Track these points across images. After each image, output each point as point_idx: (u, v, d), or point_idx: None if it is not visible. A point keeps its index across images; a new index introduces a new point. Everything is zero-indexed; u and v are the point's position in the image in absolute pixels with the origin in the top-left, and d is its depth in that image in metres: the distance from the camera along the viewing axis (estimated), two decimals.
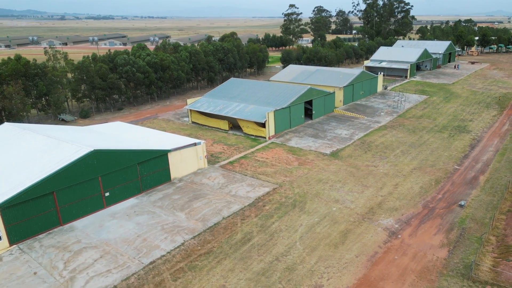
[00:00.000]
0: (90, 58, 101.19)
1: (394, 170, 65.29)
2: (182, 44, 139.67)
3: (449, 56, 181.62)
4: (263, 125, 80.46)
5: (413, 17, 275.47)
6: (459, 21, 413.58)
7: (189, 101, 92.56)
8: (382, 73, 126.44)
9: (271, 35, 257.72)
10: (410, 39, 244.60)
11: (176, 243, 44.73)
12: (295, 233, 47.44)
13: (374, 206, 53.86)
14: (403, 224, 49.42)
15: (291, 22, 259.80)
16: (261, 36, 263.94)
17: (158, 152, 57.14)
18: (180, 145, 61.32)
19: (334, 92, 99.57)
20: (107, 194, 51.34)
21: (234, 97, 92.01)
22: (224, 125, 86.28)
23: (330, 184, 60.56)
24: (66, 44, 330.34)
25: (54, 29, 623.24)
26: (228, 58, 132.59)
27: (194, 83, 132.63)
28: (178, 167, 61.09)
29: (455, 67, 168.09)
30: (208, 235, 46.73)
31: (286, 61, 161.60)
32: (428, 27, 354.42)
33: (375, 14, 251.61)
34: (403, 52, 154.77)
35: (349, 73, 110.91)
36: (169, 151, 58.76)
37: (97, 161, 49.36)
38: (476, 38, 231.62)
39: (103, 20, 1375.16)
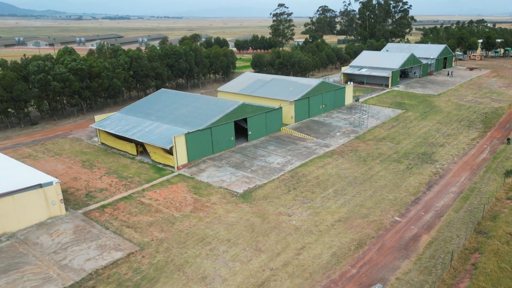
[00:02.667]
0: None
1: (311, 223, 48.40)
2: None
3: (444, 61, 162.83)
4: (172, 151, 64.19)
5: (412, 17, 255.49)
6: (471, 21, 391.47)
7: (97, 117, 76.75)
8: (352, 82, 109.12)
9: (260, 36, 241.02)
10: (405, 41, 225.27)
11: None
12: None
13: None
14: None
15: (280, 23, 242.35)
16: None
17: None
18: (14, 188, 45.11)
19: (280, 108, 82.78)
20: None
21: (151, 114, 75.93)
22: (132, 149, 70.32)
23: (213, 245, 43.96)
24: (53, 45, 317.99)
25: (66, 29, 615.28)
26: (180, 63, 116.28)
27: (141, 93, 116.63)
28: (11, 218, 45.12)
29: (448, 74, 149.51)
30: None
31: (257, 66, 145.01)
32: (438, 27, 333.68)
33: (369, 14, 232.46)
34: (386, 57, 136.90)
35: (306, 83, 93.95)
36: None
37: None
38: (480, 40, 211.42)
39: (118, 20, 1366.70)
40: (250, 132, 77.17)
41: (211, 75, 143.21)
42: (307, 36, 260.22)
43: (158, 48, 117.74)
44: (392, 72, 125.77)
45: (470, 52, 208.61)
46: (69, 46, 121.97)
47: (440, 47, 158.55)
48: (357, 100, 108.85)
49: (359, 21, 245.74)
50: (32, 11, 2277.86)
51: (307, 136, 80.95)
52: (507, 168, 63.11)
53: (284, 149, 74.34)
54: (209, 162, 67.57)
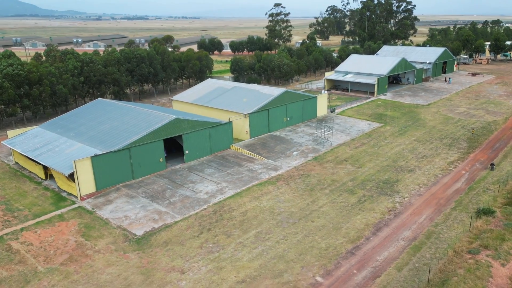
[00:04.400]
0: None
1: (204, 284, 37.37)
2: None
3: (443, 66, 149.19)
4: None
5: (415, 17, 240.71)
6: (486, 21, 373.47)
7: (11, 132, 66.97)
8: (325, 91, 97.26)
9: (256, 37, 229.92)
10: (407, 43, 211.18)
11: None
12: None
13: None
14: None
15: (277, 23, 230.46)
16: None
17: None
18: None
19: (230, 122, 71.50)
20: None
21: (73, 129, 65.59)
22: (40, 172, 59.75)
23: None
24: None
25: (82, 29, 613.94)
26: (141, 68, 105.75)
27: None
28: None
29: (445, 80, 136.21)
30: None
31: (236, 70, 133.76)
32: (452, 27, 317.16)
33: (369, 14, 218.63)
34: (375, 62, 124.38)
35: (268, 93, 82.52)
36: None
37: None
38: (488, 43, 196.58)
39: (136, 20, 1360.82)
40: (187, 152, 66.25)
41: (184, 80, 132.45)
42: (317, 37, 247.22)
43: (117, 51, 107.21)
44: (378, 78, 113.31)
45: (476, 55, 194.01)
46: (64, 46, 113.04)
47: (438, 51, 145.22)
48: (332, 111, 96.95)
49: (359, 22, 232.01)
50: (54, 11, 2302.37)
51: (257, 156, 69.60)
52: (481, 206, 50.75)
53: (224, 173, 63.08)
54: (123, 191, 56.64)
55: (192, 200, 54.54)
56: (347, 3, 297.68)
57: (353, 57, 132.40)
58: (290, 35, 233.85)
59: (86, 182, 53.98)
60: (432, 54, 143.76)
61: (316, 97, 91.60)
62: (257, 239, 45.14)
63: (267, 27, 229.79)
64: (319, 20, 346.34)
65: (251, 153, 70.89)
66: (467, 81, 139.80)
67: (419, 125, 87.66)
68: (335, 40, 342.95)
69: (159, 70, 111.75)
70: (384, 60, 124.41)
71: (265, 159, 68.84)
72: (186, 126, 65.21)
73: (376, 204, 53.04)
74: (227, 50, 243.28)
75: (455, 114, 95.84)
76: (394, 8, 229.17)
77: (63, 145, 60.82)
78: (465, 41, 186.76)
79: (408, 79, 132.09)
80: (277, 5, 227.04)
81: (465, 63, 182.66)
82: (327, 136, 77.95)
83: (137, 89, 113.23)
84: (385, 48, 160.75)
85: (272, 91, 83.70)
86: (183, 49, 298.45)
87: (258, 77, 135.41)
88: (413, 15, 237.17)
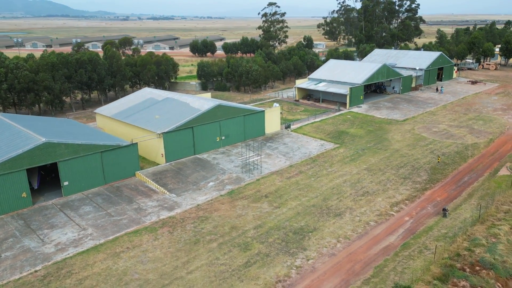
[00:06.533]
0: None
1: None
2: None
3: (438, 73, 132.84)
4: None
5: (420, 17, 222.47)
6: (508, 21, 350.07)
7: None
8: (277, 104, 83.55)
9: (250, 38, 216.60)
10: (408, 46, 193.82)
11: None
12: None
13: None
14: None
15: (272, 24, 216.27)
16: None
17: None
18: None
19: (133, 144, 58.51)
20: None
21: None
22: None
23: None
24: (51, 46, 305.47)
25: (105, 30, 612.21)
26: (80, 74, 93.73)
27: (36, 109, 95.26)
28: None
29: (437, 89, 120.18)
30: None
31: (203, 76, 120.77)
32: (471, 28, 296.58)
33: (367, 13, 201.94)
34: (354, 68, 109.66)
35: (196, 108, 69.22)
36: None
37: None
38: (499, 46, 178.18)
39: (161, 20, 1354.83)
40: (66, 183, 53.34)
41: (143, 86, 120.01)
42: (325, 38, 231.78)
43: (54, 55, 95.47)
44: (351, 88, 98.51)
45: (485, 59, 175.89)
46: (65, 46, 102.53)
47: (432, 55, 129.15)
48: (287, 127, 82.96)
49: (358, 22, 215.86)
50: (84, 12, 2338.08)
51: (160, 189, 56.58)
52: (400, 280, 36.21)
53: (102, 213, 50.15)
54: None
55: (31, 255, 41.65)
56: (343, 1, 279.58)
57: (330, 63, 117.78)
58: (286, 36, 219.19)
59: None
60: (425, 59, 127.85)
61: (263, 111, 77.73)
62: None
63: (260, 27, 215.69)
64: (328, 20, 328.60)
65: (155, 184, 57.79)
66: (463, 90, 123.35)
67: (381, 147, 72.87)
68: (344, 41, 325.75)
69: (105, 75, 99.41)
70: (364, 66, 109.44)
71: (168, 192, 55.60)
72: (64, 152, 52.62)
73: (266, 269, 39.12)
74: (221, 52, 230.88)
75: (430, 134, 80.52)
76: (396, 8, 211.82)
77: None
78: (471, 44, 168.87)
79: (393, 88, 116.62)
80: (271, 4, 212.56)
81: (470, 69, 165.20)
82: (256, 161, 64.10)
83: (79, 97, 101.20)
84: (376, 51, 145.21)
85: (202, 105, 70.32)
86: (183, 50, 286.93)
87: (228, 83, 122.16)
88: (417, 15, 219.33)
